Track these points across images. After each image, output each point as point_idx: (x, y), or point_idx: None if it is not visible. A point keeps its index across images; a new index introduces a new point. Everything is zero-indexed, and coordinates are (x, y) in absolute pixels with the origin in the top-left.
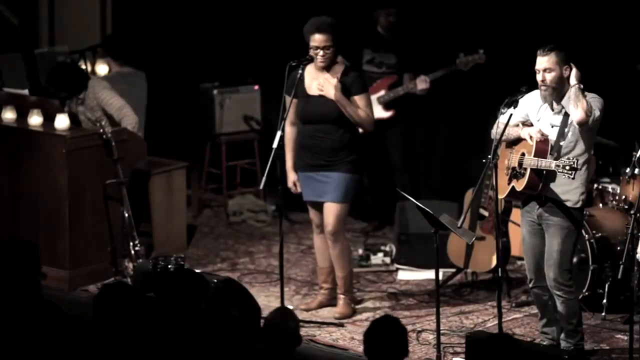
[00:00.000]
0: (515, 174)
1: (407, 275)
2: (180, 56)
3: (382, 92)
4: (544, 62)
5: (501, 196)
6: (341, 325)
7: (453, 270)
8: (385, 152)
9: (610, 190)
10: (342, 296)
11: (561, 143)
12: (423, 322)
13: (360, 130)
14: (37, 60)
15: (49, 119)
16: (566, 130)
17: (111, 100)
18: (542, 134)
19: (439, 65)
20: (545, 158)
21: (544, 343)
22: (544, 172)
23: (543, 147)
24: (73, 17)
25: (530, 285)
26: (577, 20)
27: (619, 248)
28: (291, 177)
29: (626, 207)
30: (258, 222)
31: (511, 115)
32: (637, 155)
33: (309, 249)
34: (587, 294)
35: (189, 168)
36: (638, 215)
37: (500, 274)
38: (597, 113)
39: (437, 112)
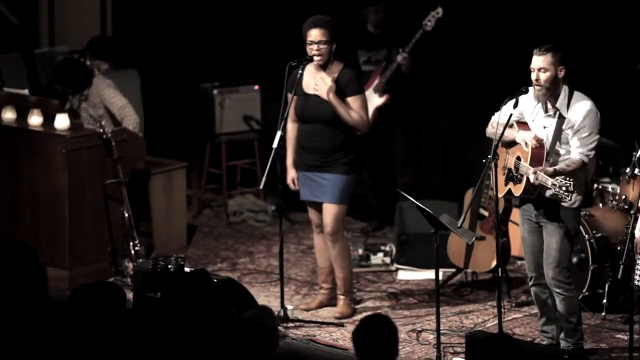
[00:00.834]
0: (511, 177)
1: (407, 275)
2: (180, 56)
3: (376, 81)
4: (539, 61)
5: (499, 194)
6: (341, 325)
7: (453, 270)
8: (388, 149)
9: (610, 190)
10: (342, 297)
11: (557, 147)
12: (423, 322)
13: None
14: (37, 60)
15: (48, 119)
16: (560, 135)
17: (114, 99)
18: (538, 140)
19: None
20: (541, 164)
21: (544, 342)
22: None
23: (539, 153)
24: (73, 17)
25: (530, 283)
26: (577, 20)
27: (619, 248)
28: (291, 173)
29: (626, 207)
30: (258, 222)
31: (511, 115)
32: (637, 155)
33: (309, 249)
34: (587, 294)
35: (189, 168)
36: (638, 215)
37: (500, 274)
38: (592, 153)
39: (439, 109)
